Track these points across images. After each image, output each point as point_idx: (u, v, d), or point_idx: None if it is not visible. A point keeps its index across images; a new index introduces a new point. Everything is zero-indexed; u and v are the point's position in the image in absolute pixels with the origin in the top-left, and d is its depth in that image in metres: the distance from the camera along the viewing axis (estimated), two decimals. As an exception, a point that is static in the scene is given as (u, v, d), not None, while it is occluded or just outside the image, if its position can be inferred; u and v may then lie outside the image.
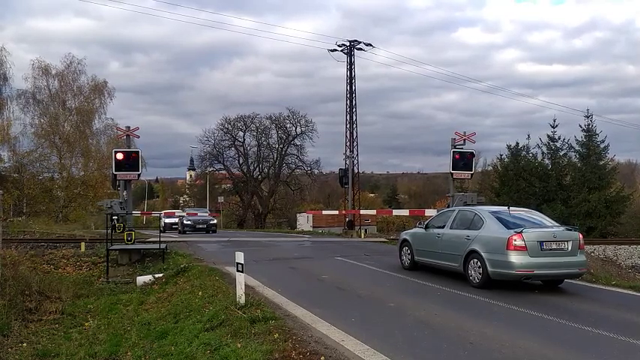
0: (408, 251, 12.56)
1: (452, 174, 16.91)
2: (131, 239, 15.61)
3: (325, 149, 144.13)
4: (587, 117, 34.95)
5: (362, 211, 35.80)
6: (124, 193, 16.67)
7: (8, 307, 9.67)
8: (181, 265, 13.13)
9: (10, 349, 8.40)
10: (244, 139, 57.14)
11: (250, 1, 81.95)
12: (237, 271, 8.38)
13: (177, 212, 37.90)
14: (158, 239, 16.33)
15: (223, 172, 59.04)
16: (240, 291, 8.29)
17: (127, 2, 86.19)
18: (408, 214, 18.77)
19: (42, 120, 37.35)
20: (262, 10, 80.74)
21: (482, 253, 10.05)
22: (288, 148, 56.55)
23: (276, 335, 6.60)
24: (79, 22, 71.11)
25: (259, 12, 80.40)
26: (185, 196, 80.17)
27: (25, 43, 65.82)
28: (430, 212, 15.55)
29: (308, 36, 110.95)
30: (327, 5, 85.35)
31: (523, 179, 34.29)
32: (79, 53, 61.34)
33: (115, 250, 15.33)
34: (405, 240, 12.83)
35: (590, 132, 34.97)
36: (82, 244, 17.09)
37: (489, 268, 9.86)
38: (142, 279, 12.97)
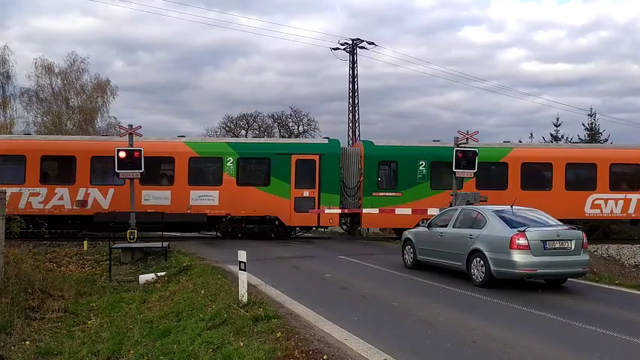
0: (411, 250, 12.54)
1: (455, 173, 16.89)
2: (133, 238, 15.63)
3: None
4: (591, 116, 34.94)
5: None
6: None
7: (11, 305, 9.69)
8: (184, 264, 13.13)
9: (12, 347, 8.42)
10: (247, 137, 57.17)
11: (256, 1, 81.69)
12: (240, 269, 8.38)
13: None
14: (160, 238, 16.33)
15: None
16: (243, 289, 8.29)
17: (135, 2, 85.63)
18: (410, 212, 18.63)
19: (45, 118, 37.36)
20: (268, 10, 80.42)
21: (485, 252, 10.03)
22: (290, 147, 56.40)
23: (279, 334, 6.60)
24: (86, 21, 70.77)
25: (265, 11, 79.98)
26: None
27: (30, 42, 65.61)
28: (433, 211, 15.51)
29: (313, 35, 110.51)
30: (332, 5, 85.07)
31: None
32: (85, 52, 61.64)
33: (118, 248, 15.35)
34: (407, 239, 12.81)
35: (593, 131, 34.91)
36: (85, 243, 17.13)
37: (492, 267, 9.84)
38: (144, 277, 12.98)
